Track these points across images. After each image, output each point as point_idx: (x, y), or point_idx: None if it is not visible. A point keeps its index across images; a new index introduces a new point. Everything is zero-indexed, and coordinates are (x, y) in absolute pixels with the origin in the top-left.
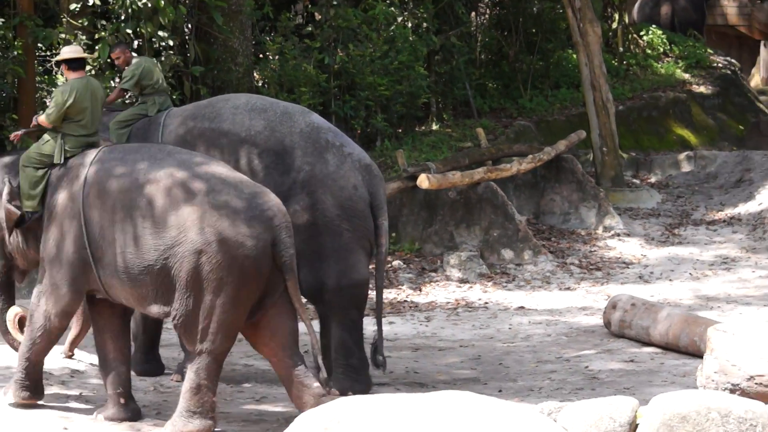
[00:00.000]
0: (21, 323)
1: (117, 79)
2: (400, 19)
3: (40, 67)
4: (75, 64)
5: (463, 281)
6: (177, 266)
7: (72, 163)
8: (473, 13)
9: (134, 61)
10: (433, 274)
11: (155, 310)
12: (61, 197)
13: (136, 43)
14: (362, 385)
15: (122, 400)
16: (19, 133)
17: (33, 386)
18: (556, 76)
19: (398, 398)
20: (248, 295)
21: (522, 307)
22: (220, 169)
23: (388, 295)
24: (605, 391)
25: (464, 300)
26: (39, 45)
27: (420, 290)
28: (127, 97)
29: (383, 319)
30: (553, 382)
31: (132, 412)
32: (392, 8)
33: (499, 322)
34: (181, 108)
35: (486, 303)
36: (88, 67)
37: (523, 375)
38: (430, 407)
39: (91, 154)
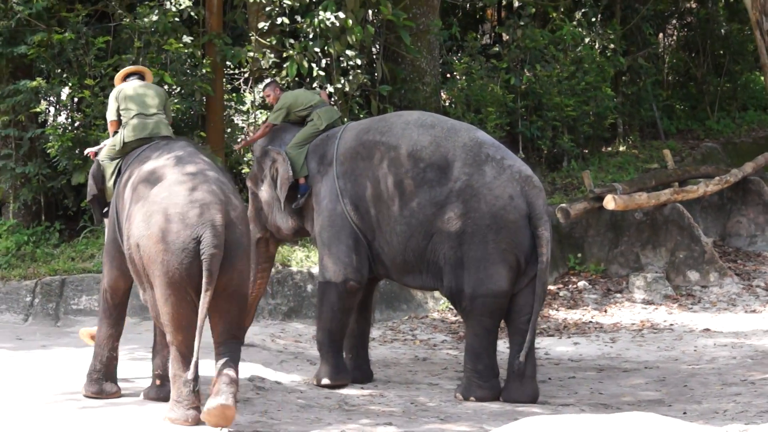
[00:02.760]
0: None
1: None
2: (587, 39)
3: (228, 86)
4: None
5: (648, 302)
6: (131, 258)
7: None
8: (661, 35)
9: (282, 95)
10: (618, 295)
11: (142, 298)
12: None
13: (324, 62)
14: (485, 392)
15: (158, 382)
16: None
17: None
18: (744, 98)
19: (583, 419)
20: (174, 288)
21: (707, 329)
22: (187, 167)
23: (573, 315)
24: None
25: (649, 321)
26: (227, 63)
27: (605, 311)
28: None
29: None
30: (738, 405)
31: (166, 393)
32: (579, 29)
33: (684, 344)
34: (358, 122)
35: (671, 324)
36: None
37: (708, 397)
38: (615, 428)
39: None
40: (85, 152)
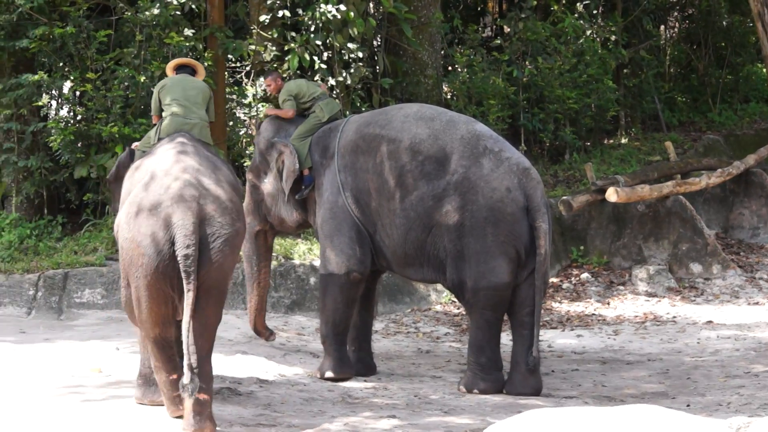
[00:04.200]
0: None
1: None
2: (588, 32)
3: (230, 79)
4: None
5: (651, 295)
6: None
7: None
8: (662, 27)
9: (283, 87)
10: (621, 287)
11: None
12: None
13: (325, 55)
14: (488, 384)
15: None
16: None
17: None
18: (746, 90)
19: (586, 411)
20: (152, 290)
21: (710, 322)
22: (179, 162)
23: (576, 308)
24: None
25: (652, 314)
26: (229, 56)
27: (608, 303)
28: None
29: (572, 332)
30: (742, 397)
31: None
32: (581, 21)
33: (687, 336)
34: (360, 115)
35: (674, 317)
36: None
37: (712, 389)
38: (618, 421)
39: None
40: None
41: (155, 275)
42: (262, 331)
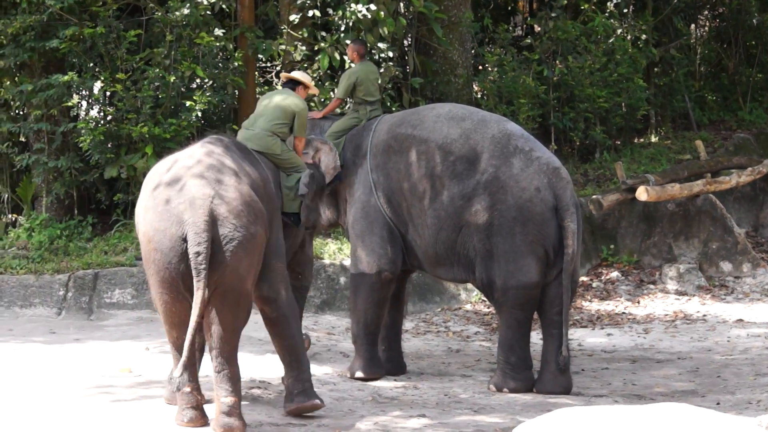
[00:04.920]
0: None
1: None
2: (619, 31)
3: (261, 78)
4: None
5: (681, 293)
6: None
7: None
8: (692, 26)
9: (349, 70)
10: (651, 286)
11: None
12: None
13: None
14: (518, 383)
15: None
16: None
17: None
18: None
19: (616, 410)
20: (166, 287)
21: (740, 320)
22: (200, 162)
23: (606, 306)
24: None
25: (682, 312)
26: (259, 56)
27: (638, 302)
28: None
29: (602, 330)
30: None
31: None
32: (611, 20)
33: (717, 335)
34: (392, 115)
35: (704, 315)
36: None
37: (742, 388)
38: (648, 419)
39: None
40: None
41: (167, 272)
42: None
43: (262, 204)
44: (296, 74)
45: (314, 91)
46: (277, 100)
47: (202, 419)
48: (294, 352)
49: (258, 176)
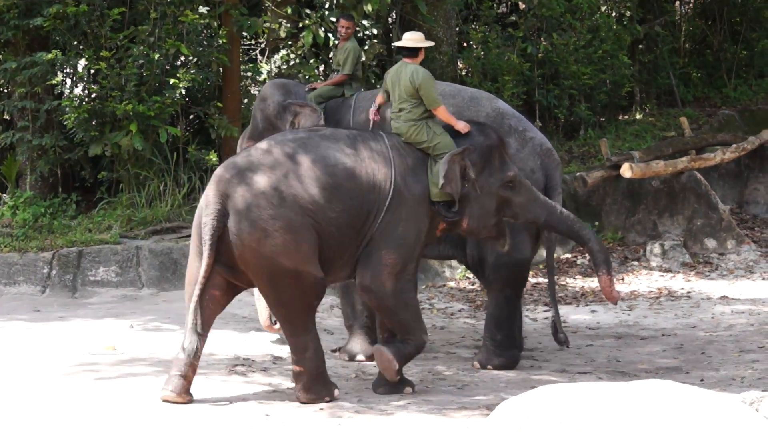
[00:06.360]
0: None
1: (323, 67)
2: (603, 8)
3: (245, 56)
4: (407, 51)
5: (665, 270)
6: None
7: None
8: (677, 2)
9: (350, 45)
10: (635, 263)
11: None
12: None
13: None
14: (503, 360)
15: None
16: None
17: None
18: (761, 65)
19: (600, 386)
20: (192, 251)
21: (725, 297)
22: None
23: (591, 284)
24: None
25: (667, 289)
26: (243, 34)
27: (622, 279)
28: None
29: (586, 307)
30: (756, 372)
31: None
32: None
33: (701, 312)
34: (371, 92)
35: (688, 292)
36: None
37: (726, 364)
38: (632, 396)
39: None
40: None
41: (195, 242)
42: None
43: (348, 195)
44: (406, 41)
45: (429, 43)
46: (401, 79)
47: (186, 395)
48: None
49: (347, 166)
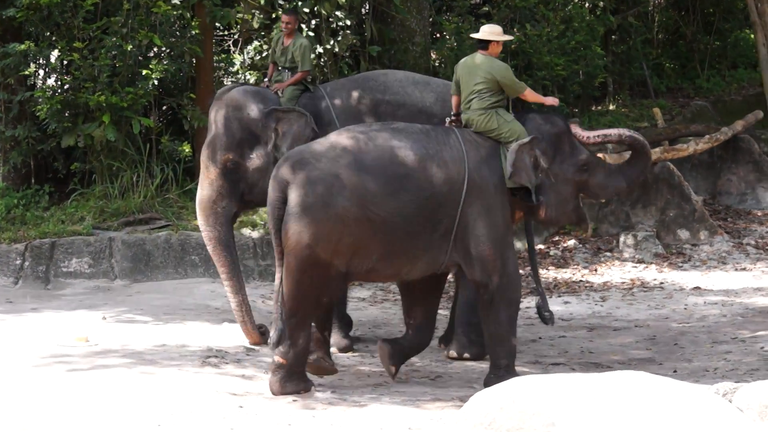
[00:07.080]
0: None
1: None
2: None
3: (218, 47)
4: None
5: (638, 261)
6: None
7: None
8: None
9: (304, 41)
10: (608, 254)
11: None
12: None
13: (313, 22)
14: (479, 350)
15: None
16: None
17: None
18: (734, 55)
19: (573, 378)
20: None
21: (698, 288)
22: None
23: (564, 275)
24: None
25: (639, 280)
26: (216, 24)
27: (595, 270)
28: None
29: (559, 298)
30: (729, 363)
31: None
32: None
33: (674, 303)
34: (336, 82)
35: (661, 283)
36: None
37: (699, 355)
38: (605, 387)
39: None
40: None
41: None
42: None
43: (418, 185)
44: (483, 33)
45: (507, 37)
46: (473, 70)
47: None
48: (495, 340)
49: (418, 157)
